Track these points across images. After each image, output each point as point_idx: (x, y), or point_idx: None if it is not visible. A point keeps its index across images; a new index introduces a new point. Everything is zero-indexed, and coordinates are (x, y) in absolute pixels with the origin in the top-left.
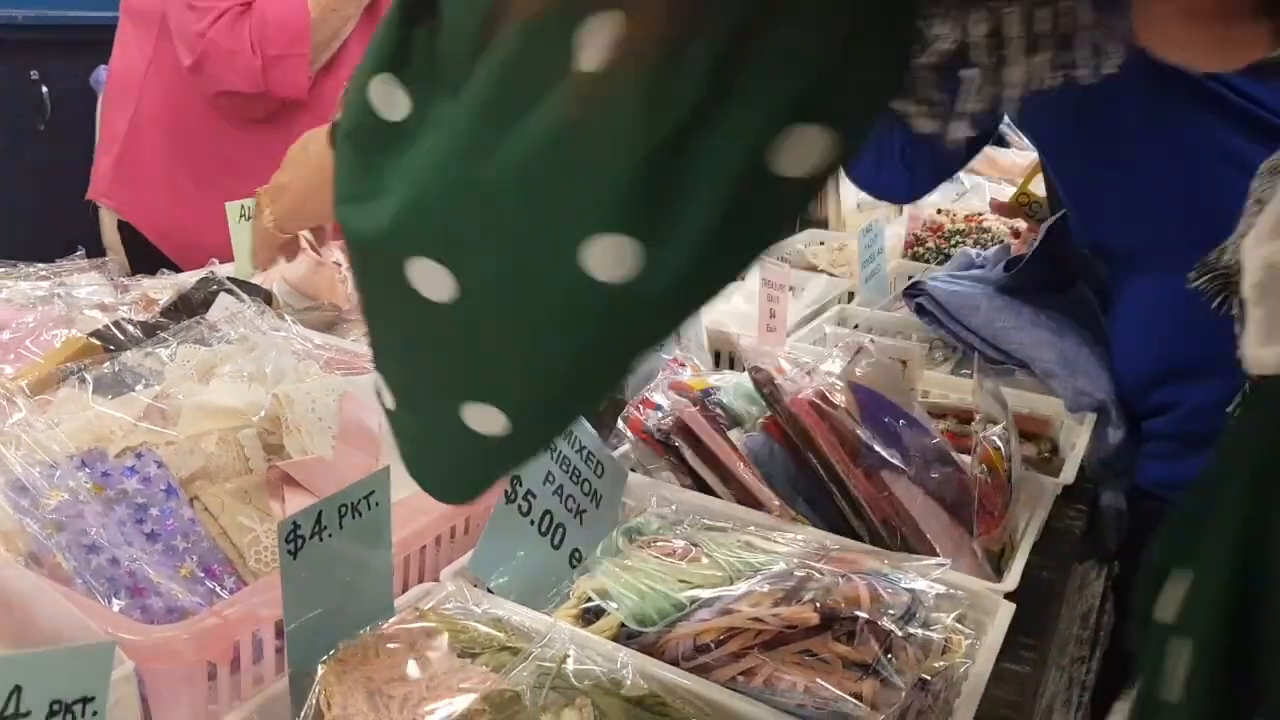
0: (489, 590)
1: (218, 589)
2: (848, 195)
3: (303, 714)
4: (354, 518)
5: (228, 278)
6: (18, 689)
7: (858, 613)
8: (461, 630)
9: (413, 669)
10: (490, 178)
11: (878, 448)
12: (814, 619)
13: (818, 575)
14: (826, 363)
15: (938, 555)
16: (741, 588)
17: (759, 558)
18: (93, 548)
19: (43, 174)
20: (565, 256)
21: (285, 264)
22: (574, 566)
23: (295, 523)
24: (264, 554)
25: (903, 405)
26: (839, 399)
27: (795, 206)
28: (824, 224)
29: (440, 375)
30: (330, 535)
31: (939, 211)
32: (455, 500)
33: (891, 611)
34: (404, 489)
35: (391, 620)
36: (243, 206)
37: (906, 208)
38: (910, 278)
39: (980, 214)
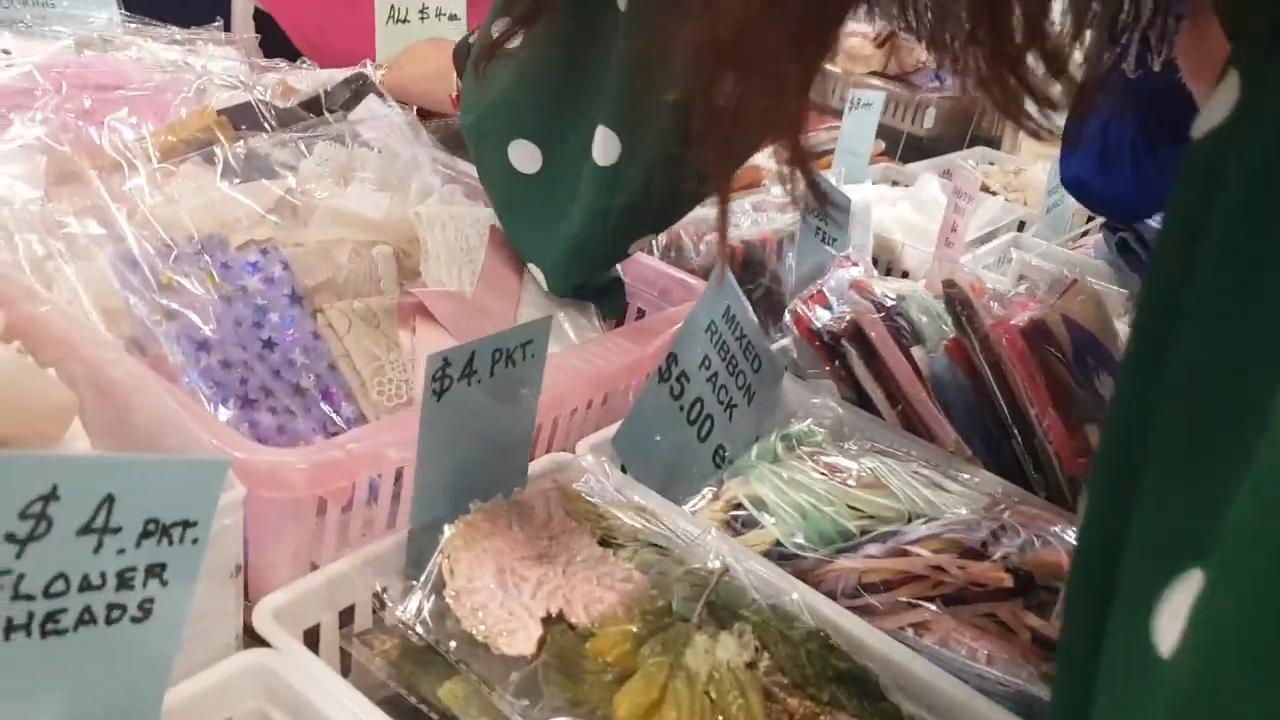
0: (623, 470)
1: (334, 415)
2: None
3: (423, 578)
4: (507, 366)
5: None
6: (110, 499)
7: (1057, 583)
8: (602, 515)
9: (548, 550)
10: None
11: (1091, 399)
12: (1006, 580)
13: (1010, 527)
14: (1022, 288)
15: None
16: (921, 529)
17: (942, 497)
18: (204, 345)
19: None
20: None
21: None
22: (718, 465)
23: (446, 359)
24: (387, 386)
25: (1113, 350)
26: (1055, 332)
27: None
28: (995, 143)
29: None
30: (479, 381)
31: None
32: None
33: None
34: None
35: (525, 490)
36: (393, 7)
37: None
38: (1090, 218)
39: None
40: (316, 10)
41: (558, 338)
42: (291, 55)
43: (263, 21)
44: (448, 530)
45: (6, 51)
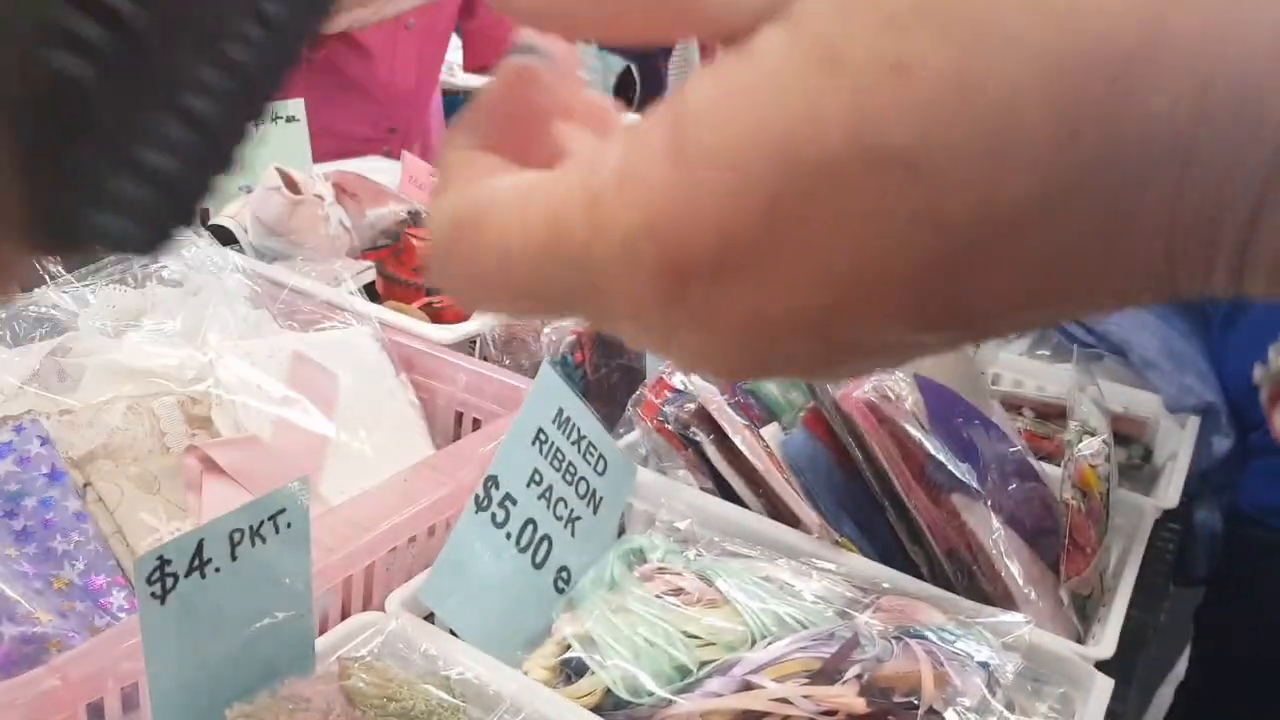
0: (451, 630)
1: (95, 610)
2: None
3: None
4: (254, 544)
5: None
6: None
7: (915, 700)
8: (392, 696)
9: None
10: None
11: (949, 464)
12: (859, 706)
13: (865, 637)
14: None
15: (1014, 600)
16: (765, 653)
17: (789, 607)
18: None
19: None
20: None
21: (255, 200)
22: (560, 591)
23: (162, 556)
24: None
25: (978, 404)
26: (905, 395)
27: None
28: None
29: None
30: (218, 570)
31: None
32: None
33: (963, 700)
34: (353, 483)
35: (307, 675)
36: None
37: None
38: None
39: None
40: None
41: (378, 471)
42: None
43: None
44: None
45: None
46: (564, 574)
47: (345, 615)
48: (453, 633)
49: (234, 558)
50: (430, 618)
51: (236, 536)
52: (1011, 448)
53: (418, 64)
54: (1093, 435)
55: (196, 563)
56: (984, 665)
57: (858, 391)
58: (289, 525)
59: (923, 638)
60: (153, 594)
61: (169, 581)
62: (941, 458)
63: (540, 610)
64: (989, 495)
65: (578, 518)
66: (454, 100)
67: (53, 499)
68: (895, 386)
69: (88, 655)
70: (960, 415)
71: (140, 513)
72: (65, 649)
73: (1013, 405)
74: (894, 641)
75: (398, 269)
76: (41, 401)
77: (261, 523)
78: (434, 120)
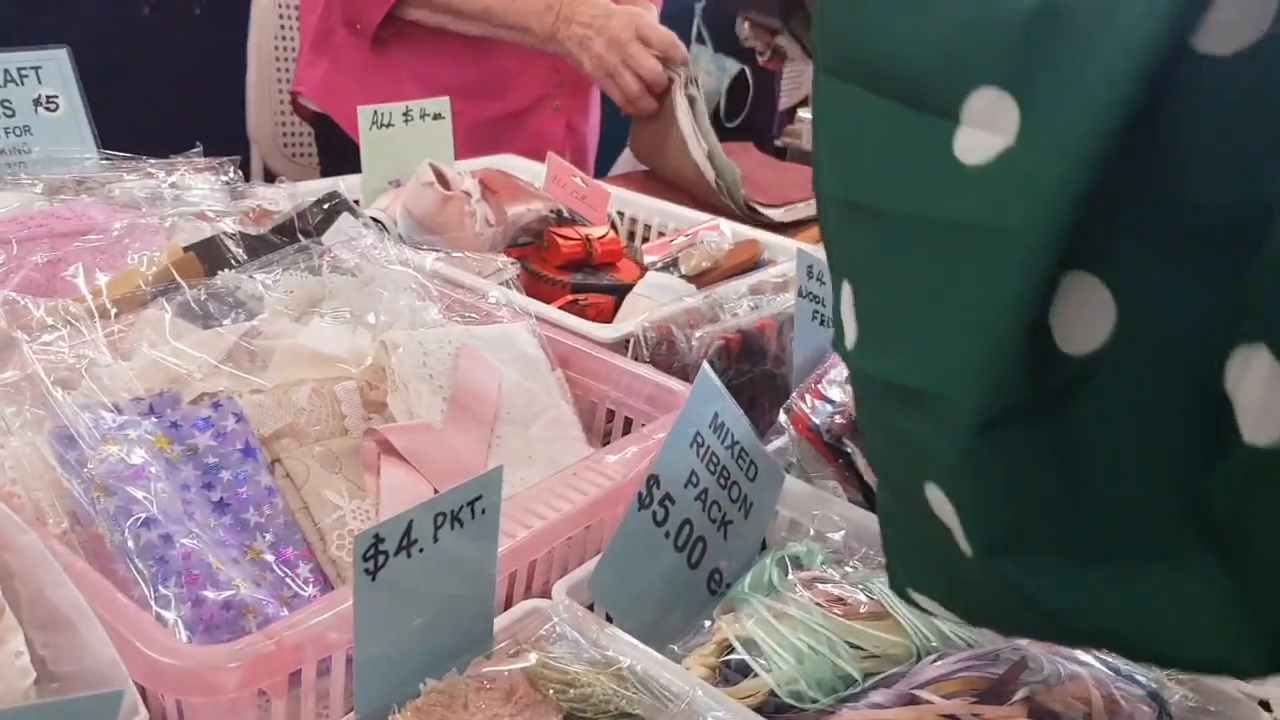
0: (607, 617)
1: (289, 578)
2: None
3: None
4: (453, 528)
5: (355, 201)
6: None
7: None
8: (571, 682)
9: None
10: None
11: None
12: None
13: (1033, 659)
14: None
15: None
16: (932, 668)
17: (954, 625)
18: (144, 521)
19: (198, 65)
20: None
21: (407, 194)
22: (713, 592)
23: (378, 535)
24: (346, 540)
25: None
26: None
27: None
28: None
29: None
30: (422, 550)
31: None
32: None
33: None
34: (514, 474)
35: (488, 655)
36: (376, 113)
37: None
38: None
39: None
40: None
41: (534, 463)
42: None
43: (327, 127)
44: None
45: None
46: (716, 575)
47: (508, 600)
48: (608, 619)
49: (435, 539)
50: (589, 608)
51: (439, 519)
52: None
53: None
54: None
55: (405, 542)
56: (1154, 695)
57: None
58: (484, 511)
59: (1089, 664)
60: (366, 570)
61: (381, 559)
62: None
63: (692, 610)
64: None
65: (730, 521)
66: None
67: (246, 473)
68: None
69: (298, 624)
70: None
71: (325, 490)
72: (260, 616)
73: None
74: (1061, 666)
75: (541, 266)
76: (235, 381)
77: (461, 507)
78: None
